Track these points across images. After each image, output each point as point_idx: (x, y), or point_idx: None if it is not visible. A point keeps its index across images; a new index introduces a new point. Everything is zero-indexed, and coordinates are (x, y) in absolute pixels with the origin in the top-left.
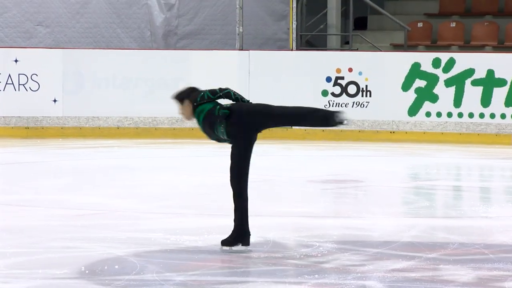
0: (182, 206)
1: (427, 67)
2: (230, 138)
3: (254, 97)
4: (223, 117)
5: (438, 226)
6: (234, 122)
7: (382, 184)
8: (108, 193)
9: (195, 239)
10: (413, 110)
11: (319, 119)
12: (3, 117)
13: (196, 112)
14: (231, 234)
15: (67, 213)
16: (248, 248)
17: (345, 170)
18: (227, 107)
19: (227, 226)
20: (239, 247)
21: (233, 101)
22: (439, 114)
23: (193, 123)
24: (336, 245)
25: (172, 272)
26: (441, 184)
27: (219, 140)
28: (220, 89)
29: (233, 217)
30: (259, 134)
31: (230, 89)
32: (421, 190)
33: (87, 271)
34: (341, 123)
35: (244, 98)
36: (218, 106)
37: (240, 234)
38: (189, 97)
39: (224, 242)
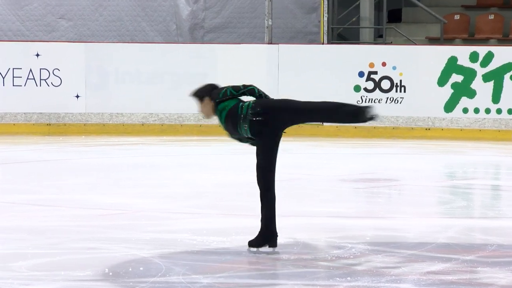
0: (208, 206)
1: (464, 61)
2: (254, 136)
3: (283, 92)
4: (248, 114)
5: (475, 227)
6: (259, 120)
7: (416, 183)
8: (132, 192)
9: (222, 240)
10: (450, 106)
11: (348, 114)
12: (24, 113)
13: (218, 110)
14: (258, 235)
15: (90, 213)
16: (276, 249)
17: (378, 168)
18: (252, 104)
19: (255, 226)
20: (267, 249)
21: (256, 98)
22: (476, 110)
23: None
24: (368, 246)
25: (199, 274)
26: (479, 183)
27: (241, 139)
28: (244, 85)
29: (260, 217)
30: (288, 131)
31: (254, 86)
32: (457, 190)
33: (110, 273)
34: (371, 118)
35: (268, 96)
36: (241, 103)
37: (267, 235)
38: (209, 94)
39: (251, 243)
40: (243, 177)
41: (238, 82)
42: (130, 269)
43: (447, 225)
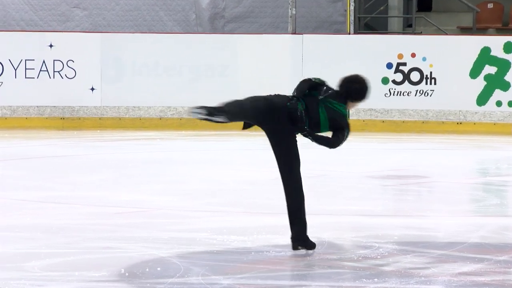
0: (229, 204)
1: (497, 52)
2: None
3: None
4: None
5: (509, 226)
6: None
7: (447, 180)
8: (150, 189)
9: (243, 239)
10: (482, 99)
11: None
12: (37, 106)
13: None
14: (303, 234)
15: (106, 211)
16: (300, 249)
17: (407, 164)
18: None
19: (278, 225)
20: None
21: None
22: (510, 104)
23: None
24: (397, 246)
25: (219, 275)
26: None
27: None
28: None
29: (285, 218)
30: None
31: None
32: (490, 187)
33: (127, 274)
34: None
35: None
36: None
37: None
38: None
39: (311, 245)
40: (266, 174)
41: (260, 75)
42: (147, 270)
43: (479, 224)
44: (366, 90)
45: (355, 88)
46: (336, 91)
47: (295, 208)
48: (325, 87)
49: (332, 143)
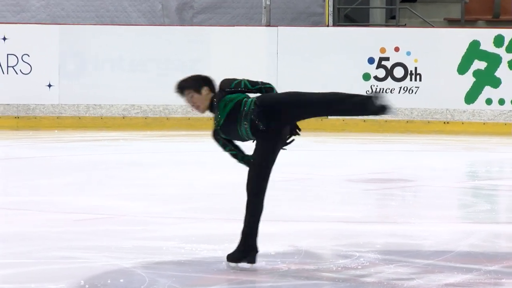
0: (199, 210)
1: (487, 45)
2: (254, 136)
3: (283, 81)
4: (249, 111)
5: (501, 234)
6: (261, 117)
7: (434, 184)
8: (113, 195)
9: (214, 248)
10: (471, 96)
11: (357, 105)
12: None
13: (223, 101)
14: (236, 248)
15: (65, 218)
16: (275, 259)
17: (390, 167)
18: (254, 99)
19: None
20: (245, 265)
21: None
22: (501, 101)
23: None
24: (379, 255)
25: (187, 286)
26: (505, 184)
27: (226, 145)
28: (262, 82)
29: (261, 225)
30: None
31: (272, 85)
32: (481, 191)
33: (87, 286)
34: (383, 109)
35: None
36: (245, 98)
37: (245, 249)
38: (209, 84)
39: (229, 257)
40: (239, 177)
41: (233, 70)
42: (109, 281)
43: (469, 231)
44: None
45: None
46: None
47: None
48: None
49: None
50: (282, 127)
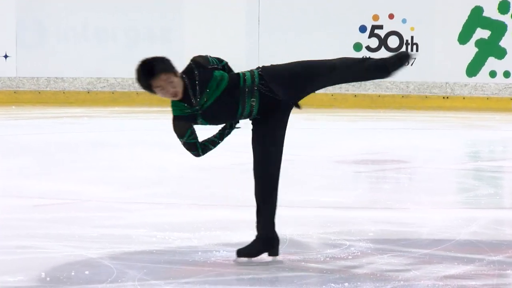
0: (172, 194)
1: (491, 12)
2: (261, 116)
3: (265, 53)
4: (256, 85)
5: (505, 220)
6: (270, 92)
7: (432, 166)
8: (77, 178)
9: (189, 236)
10: (473, 68)
11: (371, 69)
12: None
13: (214, 80)
14: (256, 240)
15: (24, 203)
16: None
17: (384, 147)
18: (258, 72)
19: (230, 220)
20: (262, 258)
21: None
22: (506, 74)
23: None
24: (371, 244)
25: (159, 279)
26: (509, 165)
27: (234, 118)
28: (218, 58)
29: (239, 211)
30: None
31: (227, 62)
32: (483, 174)
33: (48, 278)
34: (403, 60)
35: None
36: (241, 73)
37: (268, 241)
38: (172, 66)
39: (245, 252)
40: (217, 159)
41: (209, 40)
42: (73, 273)
43: (470, 218)
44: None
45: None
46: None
47: None
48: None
49: None
50: (295, 100)
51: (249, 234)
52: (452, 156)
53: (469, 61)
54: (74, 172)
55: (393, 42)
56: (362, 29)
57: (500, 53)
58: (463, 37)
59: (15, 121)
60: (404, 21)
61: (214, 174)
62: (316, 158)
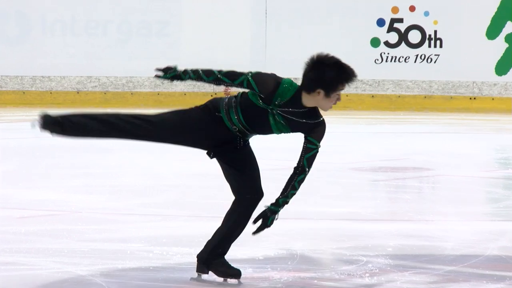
0: (170, 205)
1: None
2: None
3: (272, 49)
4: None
5: None
6: None
7: (457, 174)
8: (64, 186)
9: (189, 251)
10: (503, 66)
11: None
12: None
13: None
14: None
15: (8, 215)
16: (267, 265)
17: (404, 153)
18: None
19: None
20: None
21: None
22: None
23: (194, 87)
24: (391, 260)
25: None
26: None
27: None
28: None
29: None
30: None
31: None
32: None
33: None
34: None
35: None
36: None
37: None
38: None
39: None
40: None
41: (209, 35)
42: None
43: (499, 231)
44: None
45: None
46: None
47: None
48: None
49: None
50: None
51: (256, 249)
52: (480, 162)
53: (499, 58)
54: (62, 180)
55: (414, 37)
56: (380, 22)
57: None
58: (492, 32)
59: None
60: (426, 14)
61: (215, 183)
62: (329, 165)
